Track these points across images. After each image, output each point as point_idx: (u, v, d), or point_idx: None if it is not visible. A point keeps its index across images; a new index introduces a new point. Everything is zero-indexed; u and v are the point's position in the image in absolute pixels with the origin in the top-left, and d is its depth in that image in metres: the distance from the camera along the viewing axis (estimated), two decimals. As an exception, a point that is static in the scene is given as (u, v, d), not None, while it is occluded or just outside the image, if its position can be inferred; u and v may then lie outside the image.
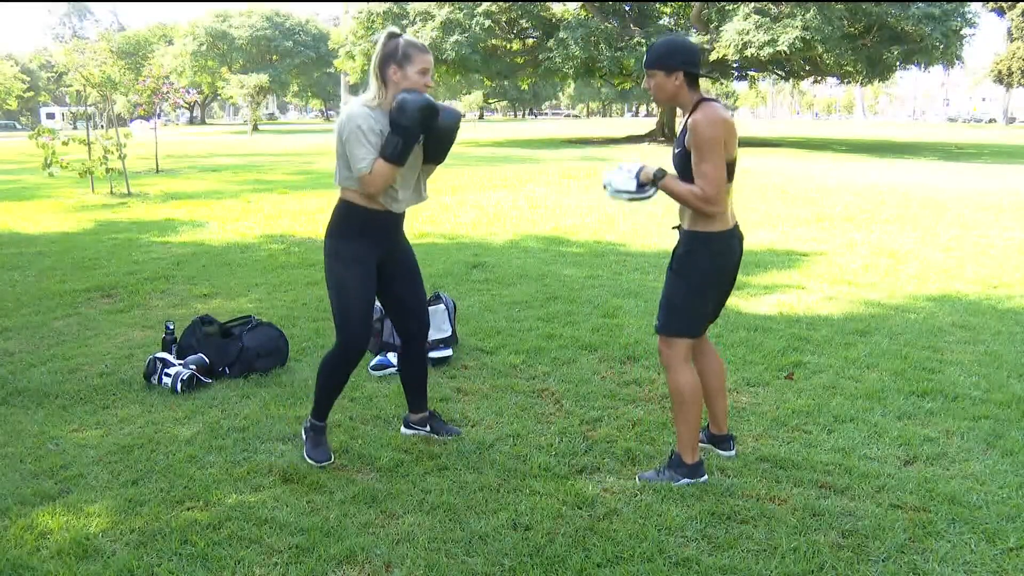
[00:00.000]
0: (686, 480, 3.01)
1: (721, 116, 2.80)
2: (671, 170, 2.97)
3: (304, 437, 3.31)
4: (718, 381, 3.24)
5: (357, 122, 2.92)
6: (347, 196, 3.06)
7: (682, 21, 30.52)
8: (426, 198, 3.25)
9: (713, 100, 2.88)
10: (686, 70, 2.85)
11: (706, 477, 3.04)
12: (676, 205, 3.01)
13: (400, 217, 3.19)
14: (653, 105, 72.94)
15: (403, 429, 3.52)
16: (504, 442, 3.40)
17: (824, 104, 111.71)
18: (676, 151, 2.95)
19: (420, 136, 2.96)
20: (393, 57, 2.95)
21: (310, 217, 9.95)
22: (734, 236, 2.99)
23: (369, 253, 3.10)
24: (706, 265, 2.95)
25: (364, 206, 3.04)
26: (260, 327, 4.40)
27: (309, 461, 3.19)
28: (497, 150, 25.50)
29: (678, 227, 3.04)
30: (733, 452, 3.25)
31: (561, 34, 27.58)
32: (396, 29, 3.08)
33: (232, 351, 4.21)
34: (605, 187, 3.02)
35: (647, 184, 2.93)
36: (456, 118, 3.05)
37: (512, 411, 3.75)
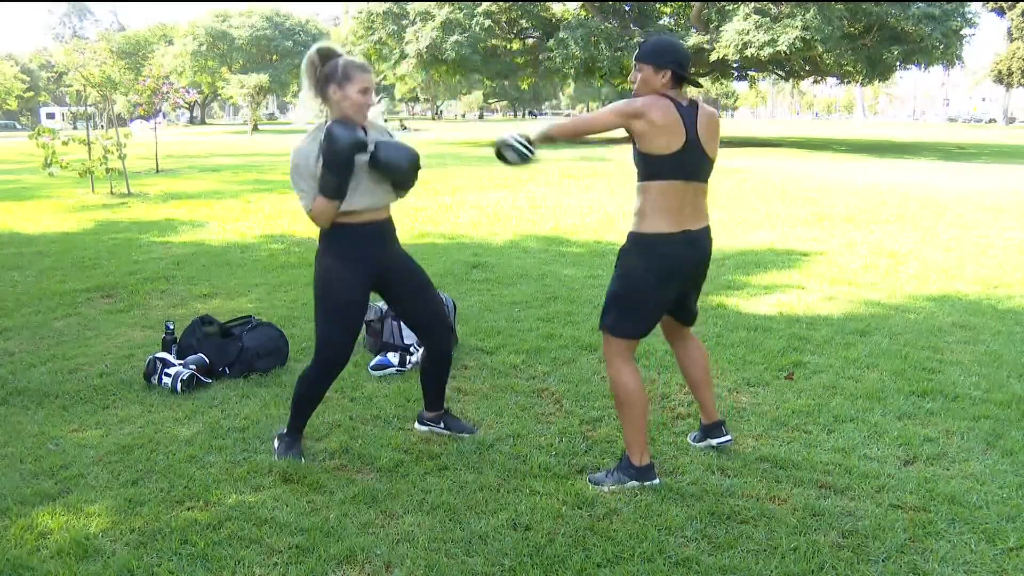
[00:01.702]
0: (634, 483, 2.98)
1: (643, 101, 2.82)
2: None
3: (277, 444, 3.27)
4: (701, 372, 3.24)
5: (296, 160, 2.96)
6: None
7: (682, 21, 30.53)
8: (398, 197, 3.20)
9: (664, 96, 2.87)
10: (674, 70, 2.87)
11: (657, 480, 3.00)
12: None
13: (388, 225, 3.16)
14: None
15: (416, 425, 3.53)
16: (504, 442, 3.40)
17: (824, 104, 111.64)
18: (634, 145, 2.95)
19: (352, 169, 2.91)
20: (332, 77, 2.94)
21: (310, 217, 9.93)
22: (680, 242, 2.91)
23: (359, 269, 3.08)
24: (641, 265, 2.92)
25: (348, 223, 3.03)
26: (260, 327, 4.40)
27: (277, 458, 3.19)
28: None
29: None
30: (728, 437, 3.25)
31: (561, 34, 27.58)
32: (330, 46, 3.04)
33: (232, 351, 4.21)
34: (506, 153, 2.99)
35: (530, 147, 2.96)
36: (405, 157, 2.99)
37: (512, 411, 3.75)
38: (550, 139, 3.01)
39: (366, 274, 3.10)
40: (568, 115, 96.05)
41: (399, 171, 3.02)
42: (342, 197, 2.94)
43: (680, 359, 3.30)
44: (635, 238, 2.95)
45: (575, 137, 3.04)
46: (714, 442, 3.28)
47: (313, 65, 2.96)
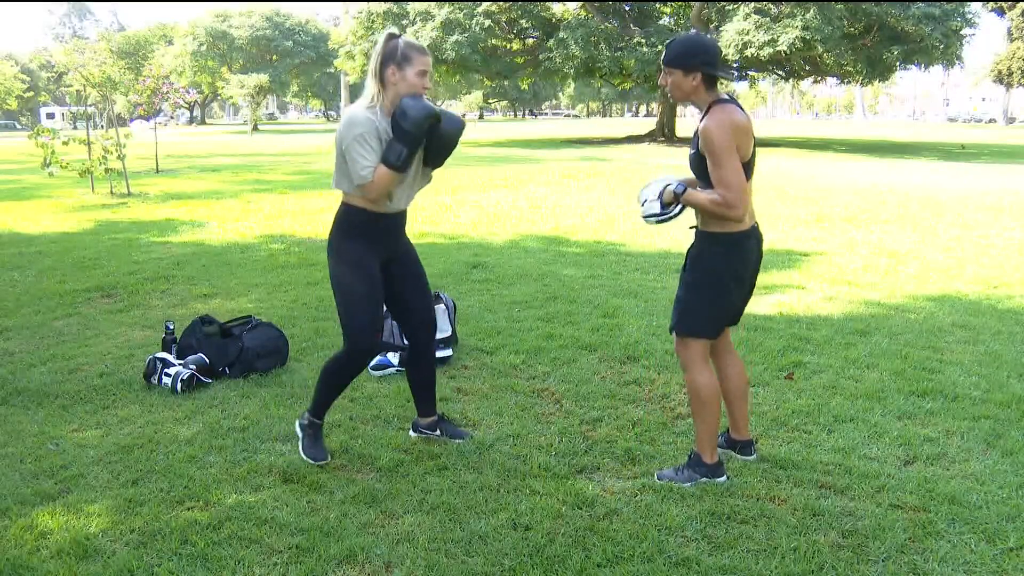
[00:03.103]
0: (705, 479, 3.01)
1: (732, 119, 2.78)
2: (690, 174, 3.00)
3: (300, 434, 3.28)
4: (739, 385, 3.22)
5: (359, 129, 2.91)
6: (348, 200, 3.07)
7: (682, 21, 30.52)
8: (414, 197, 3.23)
9: (728, 101, 2.85)
10: (704, 71, 2.83)
11: (726, 477, 3.03)
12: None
13: (402, 218, 3.19)
14: (653, 105, 72.86)
15: (411, 433, 3.50)
16: (504, 442, 3.40)
17: (824, 104, 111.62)
18: (691, 152, 2.95)
19: (423, 142, 2.96)
20: (392, 58, 2.94)
21: (310, 217, 9.95)
22: (751, 237, 2.96)
23: (372, 255, 3.09)
24: (719, 265, 2.94)
25: (365, 208, 3.04)
26: (260, 327, 4.40)
27: (306, 459, 3.19)
28: (497, 150, 25.51)
29: (694, 227, 3.02)
30: (754, 456, 3.24)
31: (561, 34, 27.57)
32: (395, 30, 3.08)
33: (232, 351, 4.21)
34: (643, 218, 3.03)
35: (671, 203, 2.94)
36: (459, 125, 3.06)
37: (512, 411, 3.75)
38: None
39: (381, 259, 3.13)
40: (568, 115, 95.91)
41: (453, 143, 3.07)
42: (407, 170, 2.96)
43: (719, 369, 3.25)
44: (712, 238, 2.92)
45: (746, 197, 2.83)
46: (741, 458, 3.25)
47: (379, 47, 2.96)
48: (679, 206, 2.95)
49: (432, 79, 3.06)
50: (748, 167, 2.89)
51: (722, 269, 2.94)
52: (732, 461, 3.20)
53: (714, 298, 2.97)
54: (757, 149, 2.97)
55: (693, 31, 26.35)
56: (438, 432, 3.45)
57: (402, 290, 3.27)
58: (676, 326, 3.01)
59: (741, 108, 2.87)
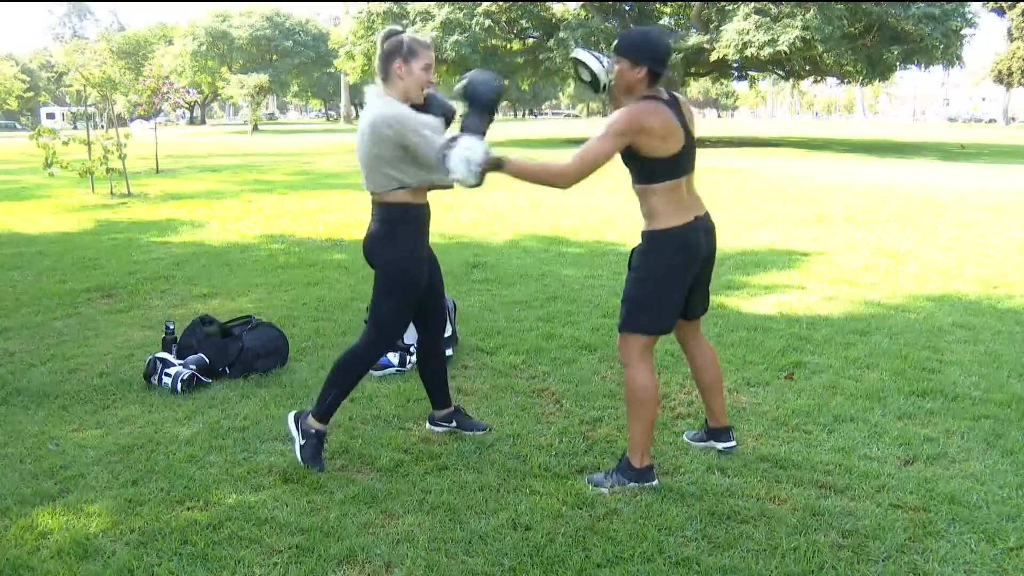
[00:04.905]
0: (634, 484, 2.98)
1: (639, 114, 2.79)
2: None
3: (302, 440, 3.19)
4: (713, 376, 3.24)
5: (407, 116, 2.95)
6: (396, 199, 3.05)
7: (682, 21, 30.52)
8: None
9: (654, 99, 2.85)
10: (651, 67, 2.84)
11: (656, 482, 3.00)
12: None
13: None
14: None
15: (428, 425, 3.52)
16: (504, 442, 3.40)
17: (824, 104, 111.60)
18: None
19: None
20: (399, 52, 2.98)
21: (310, 217, 9.93)
22: (696, 229, 2.95)
23: (424, 256, 3.16)
24: (664, 261, 2.93)
25: (417, 203, 3.09)
26: (260, 327, 4.40)
27: (302, 463, 3.16)
28: (497, 150, 25.52)
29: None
30: (733, 443, 3.25)
31: (561, 34, 27.55)
32: (398, 27, 3.11)
33: (232, 351, 4.21)
34: (450, 170, 2.90)
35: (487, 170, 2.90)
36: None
37: (512, 411, 3.75)
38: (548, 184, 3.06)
39: (426, 254, 3.19)
40: (568, 115, 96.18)
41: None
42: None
43: (692, 362, 3.28)
44: (653, 236, 2.93)
45: (587, 175, 2.87)
46: (719, 446, 3.27)
47: (380, 44, 3.02)
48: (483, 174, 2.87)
49: (432, 74, 3.09)
50: (676, 161, 2.86)
51: (668, 264, 2.93)
52: (732, 462, 3.21)
53: (659, 294, 2.95)
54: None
55: (651, 28, 26.37)
56: (454, 424, 3.47)
57: (427, 286, 3.28)
58: (625, 323, 2.98)
59: (672, 107, 2.85)
